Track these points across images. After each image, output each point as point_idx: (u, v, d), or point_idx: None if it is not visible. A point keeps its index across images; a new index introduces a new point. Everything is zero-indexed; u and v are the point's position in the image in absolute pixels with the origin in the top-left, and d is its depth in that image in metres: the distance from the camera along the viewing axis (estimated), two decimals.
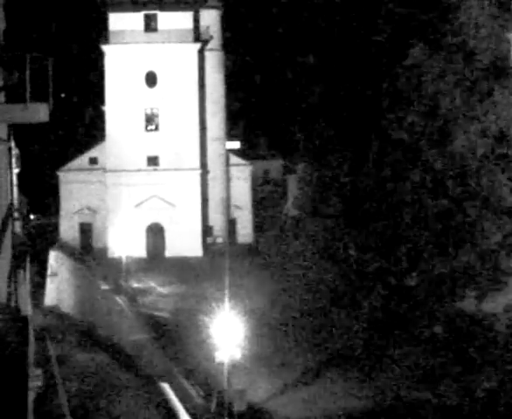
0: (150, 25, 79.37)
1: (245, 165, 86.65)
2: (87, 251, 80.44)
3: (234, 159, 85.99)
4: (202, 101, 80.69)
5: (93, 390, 46.43)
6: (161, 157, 79.03)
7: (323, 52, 69.86)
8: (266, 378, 42.59)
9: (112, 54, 78.96)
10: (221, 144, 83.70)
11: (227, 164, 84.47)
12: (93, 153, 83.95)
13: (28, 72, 16.00)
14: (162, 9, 78.93)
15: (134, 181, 78.32)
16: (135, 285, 64.89)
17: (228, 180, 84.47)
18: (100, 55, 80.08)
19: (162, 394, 42.90)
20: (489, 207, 54.37)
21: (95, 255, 77.99)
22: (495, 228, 53.95)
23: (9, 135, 24.63)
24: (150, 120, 79.28)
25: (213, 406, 37.93)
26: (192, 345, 46.89)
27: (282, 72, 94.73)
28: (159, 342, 50.43)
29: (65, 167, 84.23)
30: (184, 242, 77.83)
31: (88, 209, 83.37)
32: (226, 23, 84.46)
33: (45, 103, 16.31)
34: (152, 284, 66.25)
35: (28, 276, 40.73)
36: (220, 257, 64.83)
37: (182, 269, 70.38)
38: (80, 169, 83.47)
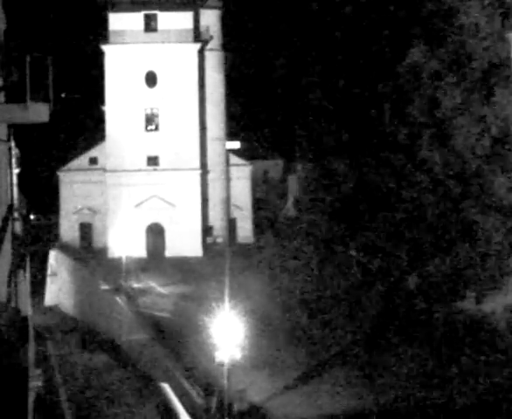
0: (150, 25, 79.34)
1: (245, 165, 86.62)
2: (87, 251, 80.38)
3: (234, 159, 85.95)
4: (202, 101, 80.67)
5: (93, 390, 46.42)
6: (161, 157, 78.98)
7: (323, 52, 69.88)
8: (266, 378, 42.56)
9: (112, 54, 78.91)
10: (221, 144, 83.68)
11: (227, 164, 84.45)
12: (93, 153, 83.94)
13: (28, 72, 15.99)
14: (162, 9, 78.88)
15: (134, 181, 78.28)
16: (135, 285, 64.84)
17: (228, 180, 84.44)
18: (100, 55, 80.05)
19: (161, 394, 42.88)
20: (489, 207, 54.38)
21: (95, 255, 77.93)
22: (495, 228, 53.95)
23: (9, 135, 24.59)
24: (150, 120, 79.25)
25: (213, 406, 37.91)
26: (192, 345, 46.85)
27: (282, 71, 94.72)
28: (159, 342, 50.39)
29: (65, 167, 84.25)
30: (184, 242, 77.78)
31: (88, 209, 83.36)
32: (226, 23, 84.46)
33: (46, 103, 16.31)
34: (152, 284, 66.19)
35: (28, 276, 40.70)
36: (220, 257, 64.84)
37: (182, 269, 70.35)
38: (80, 169, 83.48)
